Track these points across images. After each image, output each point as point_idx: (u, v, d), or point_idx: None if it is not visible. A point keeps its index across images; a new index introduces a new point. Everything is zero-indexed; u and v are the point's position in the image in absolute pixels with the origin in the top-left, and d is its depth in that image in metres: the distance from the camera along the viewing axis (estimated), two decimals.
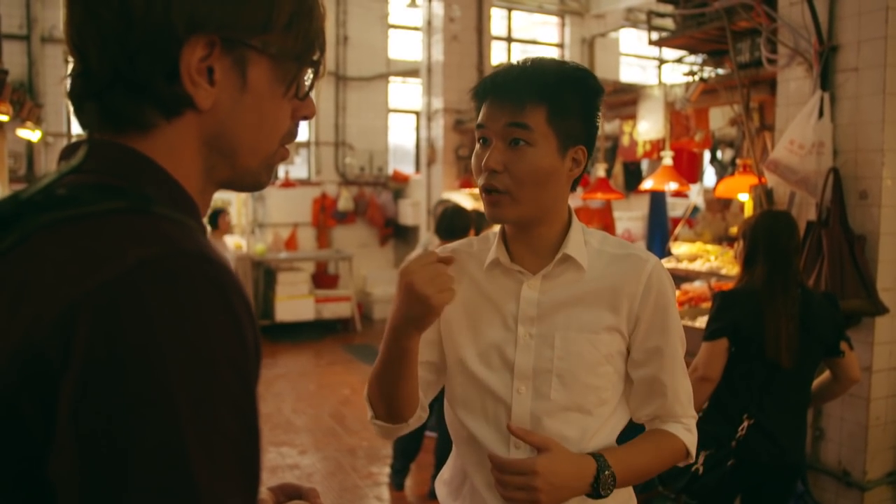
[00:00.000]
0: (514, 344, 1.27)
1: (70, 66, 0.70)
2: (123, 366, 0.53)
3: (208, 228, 6.70)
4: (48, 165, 7.42)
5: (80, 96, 0.69)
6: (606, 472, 1.19)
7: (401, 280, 1.17)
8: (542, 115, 1.19)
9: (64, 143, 7.47)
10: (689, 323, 3.54)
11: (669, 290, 1.28)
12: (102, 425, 0.53)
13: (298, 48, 0.71)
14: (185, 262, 0.58)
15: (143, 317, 0.54)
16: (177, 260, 0.58)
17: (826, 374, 2.50)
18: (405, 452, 4.06)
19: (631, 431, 1.35)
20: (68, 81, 0.70)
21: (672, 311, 1.28)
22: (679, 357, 1.30)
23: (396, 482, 4.11)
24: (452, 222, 3.86)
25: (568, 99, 1.22)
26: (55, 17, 7.61)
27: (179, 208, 0.66)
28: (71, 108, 0.71)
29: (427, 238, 5.55)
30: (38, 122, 6.60)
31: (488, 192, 1.23)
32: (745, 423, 2.32)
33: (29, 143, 7.06)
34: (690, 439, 1.32)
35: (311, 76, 0.75)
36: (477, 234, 3.97)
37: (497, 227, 1.36)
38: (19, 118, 5.74)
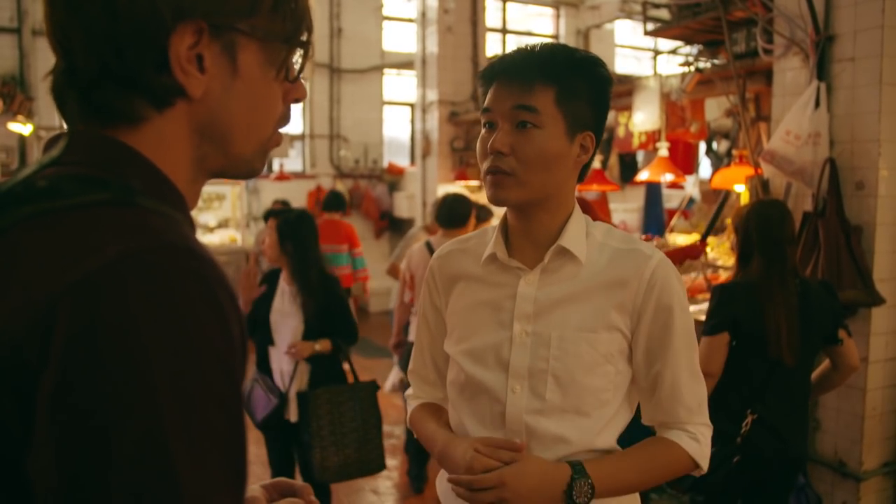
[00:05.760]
0: (510, 342, 1.24)
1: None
2: (103, 361, 0.52)
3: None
4: None
5: (65, 93, 0.67)
6: (582, 481, 1.15)
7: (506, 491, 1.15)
8: (551, 96, 1.17)
9: None
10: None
11: (675, 288, 1.22)
12: (81, 420, 0.51)
13: (286, 29, 0.70)
14: (168, 254, 0.57)
15: (124, 311, 0.53)
16: (160, 253, 0.57)
17: (825, 364, 2.49)
18: (418, 457, 4.03)
19: (633, 431, 1.32)
20: (51, 79, 0.68)
21: (678, 309, 1.22)
22: (686, 358, 1.24)
23: (416, 486, 4.06)
24: (452, 210, 3.73)
25: (577, 82, 1.19)
26: None
27: (166, 200, 0.65)
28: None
29: (414, 231, 5.49)
30: (29, 116, 6.57)
31: (492, 173, 1.19)
32: (749, 419, 2.30)
33: (21, 137, 7.01)
34: (697, 449, 1.24)
35: (301, 57, 0.74)
36: (477, 224, 3.90)
37: (495, 222, 1.33)
38: (10, 112, 5.70)
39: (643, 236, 4.79)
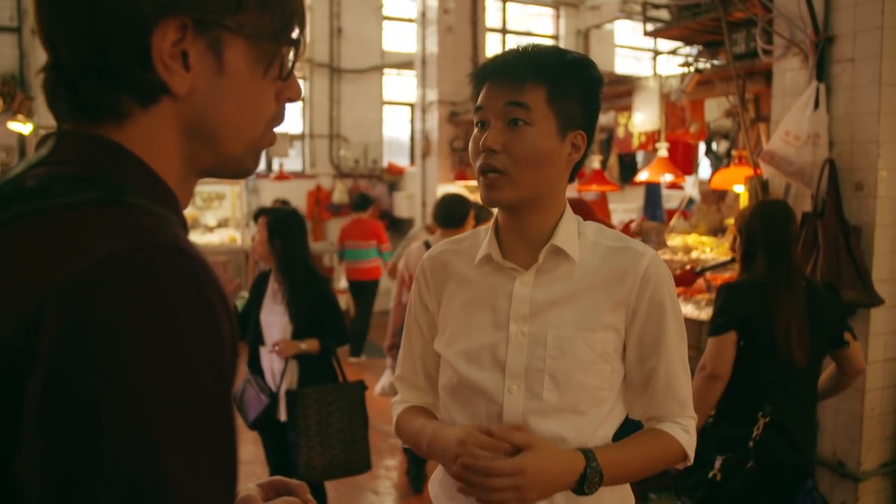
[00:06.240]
0: (507, 343, 1.24)
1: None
2: (93, 360, 0.51)
3: None
4: None
5: (53, 88, 0.66)
6: (594, 471, 1.16)
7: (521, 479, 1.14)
8: (542, 94, 1.18)
9: None
10: (684, 314, 3.52)
11: (667, 285, 1.25)
12: (71, 420, 0.51)
13: (275, 26, 0.68)
14: (158, 254, 0.56)
15: (113, 310, 0.52)
16: (150, 252, 0.56)
17: (831, 368, 2.45)
18: (417, 457, 4.02)
19: (629, 427, 1.33)
20: (42, 76, 0.67)
21: (670, 305, 1.24)
22: (678, 353, 1.26)
23: (415, 486, 4.08)
24: (451, 209, 3.73)
25: (568, 81, 1.20)
26: None
27: (157, 199, 0.64)
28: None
29: (415, 231, 5.50)
30: (29, 115, 6.57)
31: (485, 172, 1.20)
32: (761, 423, 2.24)
33: (21, 136, 7.01)
34: (688, 440, 1.27)
35: (293, 55, 0.72)
36: (476, 223, 3.91)
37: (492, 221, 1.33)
38: (10, 111, 5.71)
39: (641, 215, 4.79)
